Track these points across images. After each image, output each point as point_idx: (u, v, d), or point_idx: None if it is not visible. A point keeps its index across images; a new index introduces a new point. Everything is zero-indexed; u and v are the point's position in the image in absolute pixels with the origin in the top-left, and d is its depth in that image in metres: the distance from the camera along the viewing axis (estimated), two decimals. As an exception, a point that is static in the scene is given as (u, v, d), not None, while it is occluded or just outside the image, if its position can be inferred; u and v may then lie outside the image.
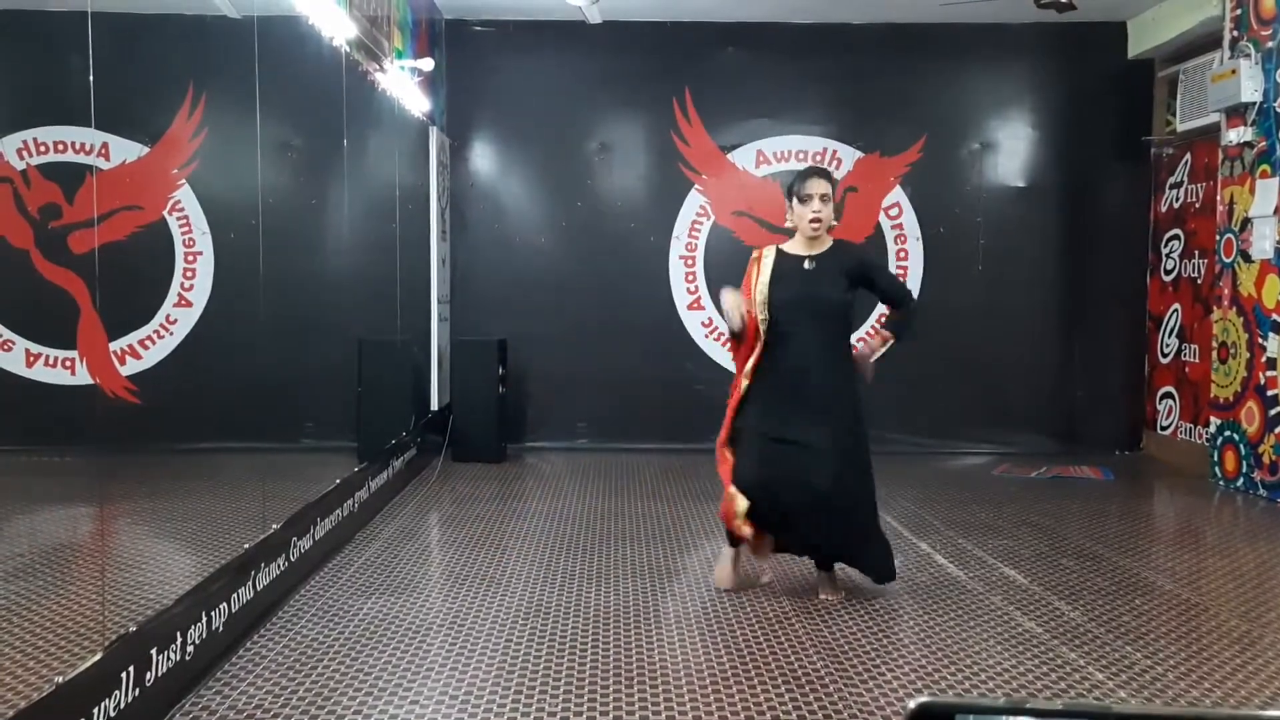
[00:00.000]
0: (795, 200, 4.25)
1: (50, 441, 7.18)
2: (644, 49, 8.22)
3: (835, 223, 4.40)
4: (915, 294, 4.53)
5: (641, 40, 8.17)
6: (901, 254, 8.28)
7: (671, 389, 8.24)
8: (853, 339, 4.37)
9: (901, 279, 4.52)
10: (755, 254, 4.37)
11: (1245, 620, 4.17)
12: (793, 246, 4.30)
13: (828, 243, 4.28)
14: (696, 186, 8.32)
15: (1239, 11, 6.76)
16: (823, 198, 4.19)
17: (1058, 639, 3.89)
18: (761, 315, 4.21)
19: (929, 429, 8.26)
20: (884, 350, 4.29)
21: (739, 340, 4.31)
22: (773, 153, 8.31)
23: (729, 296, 4.23)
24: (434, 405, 7.71)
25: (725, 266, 7.34)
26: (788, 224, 4.33)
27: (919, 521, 5.79)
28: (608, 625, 4.00)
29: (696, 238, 8.34)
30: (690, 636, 3.89)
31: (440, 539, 5.63)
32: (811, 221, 4.20)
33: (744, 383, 4.28)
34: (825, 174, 4.34)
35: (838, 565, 4.40)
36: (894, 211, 8.27)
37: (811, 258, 4.24)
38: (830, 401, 4.19)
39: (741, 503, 4.20)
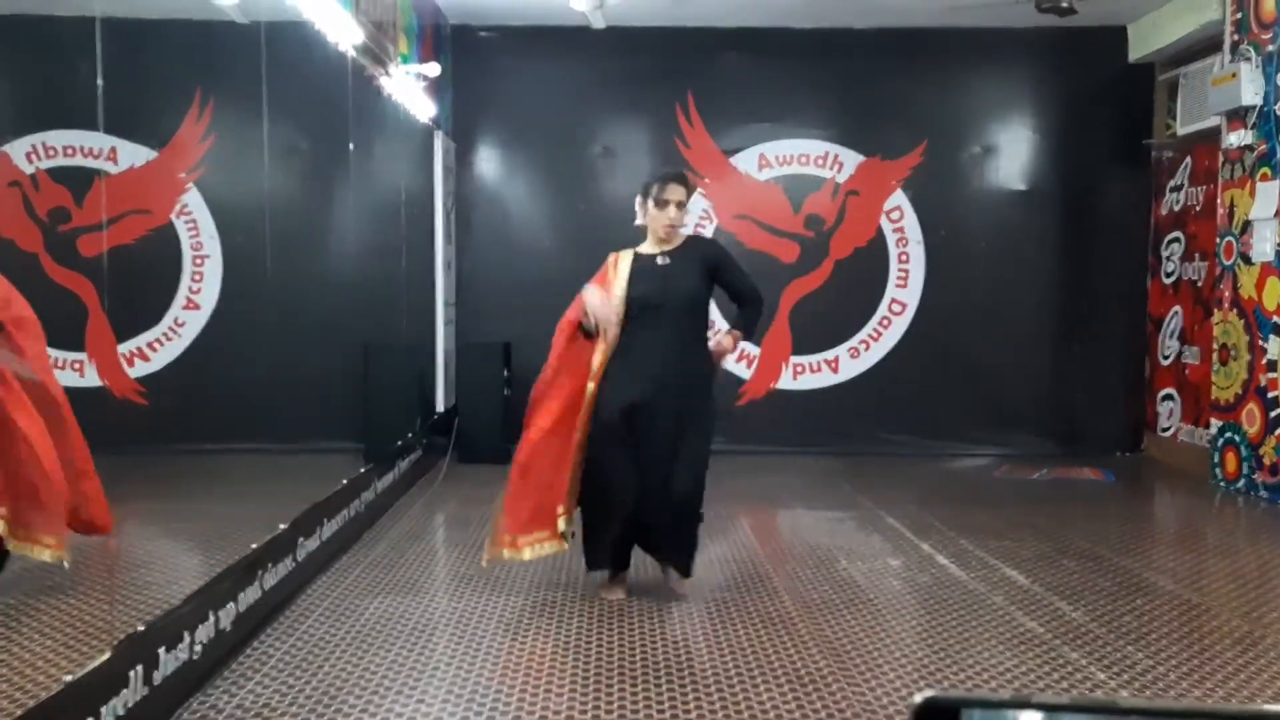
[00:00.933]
0: (652, 203, 4.23)
1: (58, 443, 7.20)
2: (647, 54, 8.25)
3: (685, 230, 4.42)
4: (762, 297, 4.46)
5: (645, 45, 8.20)
6: (903, 257, 8.31)
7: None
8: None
9: (751, 281, 4.47)
10: (611, 258, 4.37)
11: (1246, 621, 4.20)
12: (646, 248, 4.32)
13: (680, 239, 4.32)
14: (699, 190, 8.35)
15: (1239, 15, 6.79)
16: (679, 204, 4.21)
17: (1060, 639, 3.92)
18: (616, 312, 4.21)
19: (930, 431, 8.28)
20: (734, 349, 4.46)
21: (587, 336, 4.27)
22: (775, 156, 8.34)
23: (594, 294, 4.19)
24: (439, 407, 7.74)
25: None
26: (638, 223, 4.33)
27: (921, 523, 5.81)
28: (613, 624, 4.03)
29: (700, 241, 8.36)
30: (694, 635, 3.92)
31: (445, 539, 5.66)
32: (666, 227, 4.23)
33: (590, 385, 4.21)
34: (684, 179, 4.33)
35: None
36: (895, 215, 8.30)
37: (665, 254, 4.27)
38: (689, 395, 4.19)
39: (562, 523, 4.23)
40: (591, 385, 4.21)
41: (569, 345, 4.32)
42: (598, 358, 4.23)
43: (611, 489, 4.15)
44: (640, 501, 4.14)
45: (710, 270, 4.29)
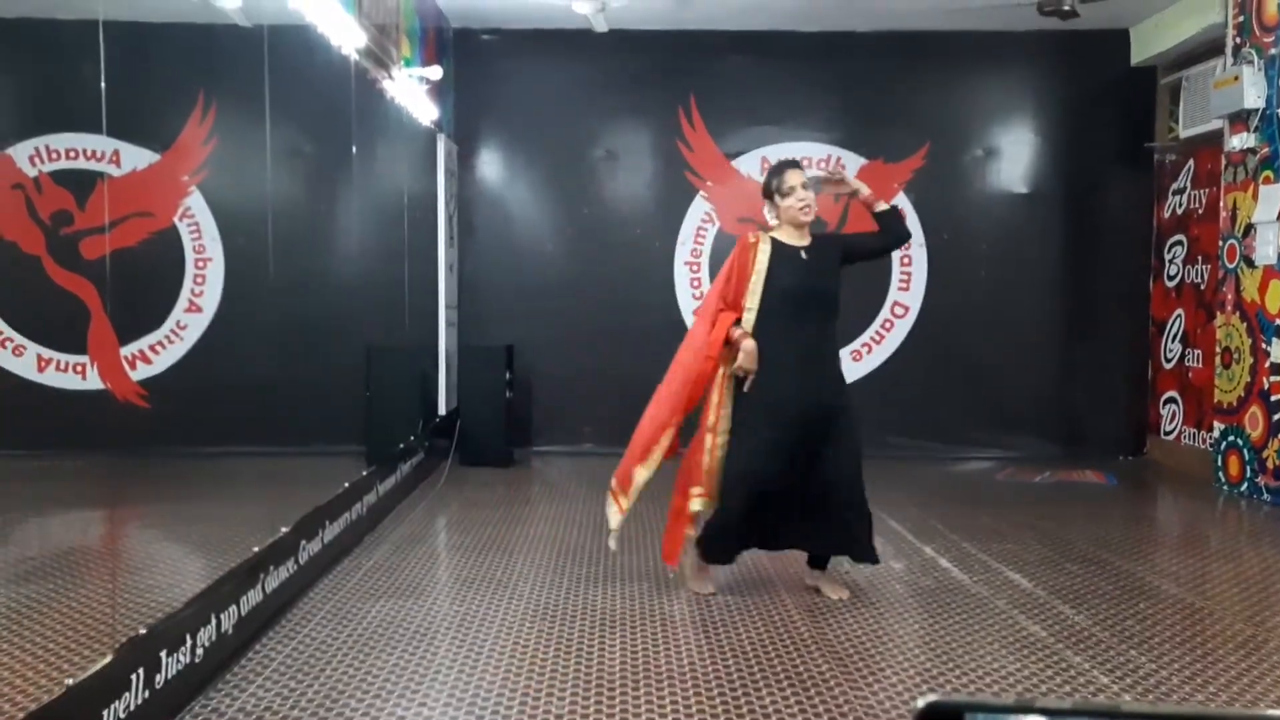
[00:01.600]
0: (778, 196, 4.28)
1: (61, 446, 7.23)
2: (649, 57, 8.26)
3: (816, 207, 4.38)
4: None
5: (647, 48, 8.21)
6: (905, 260, 8.31)
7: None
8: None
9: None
10: (750, 239, 4.32)
11: (1250, 625, 4.19)
12: (784, 236, 4.31)
13: (810, 237, 4.32)
14: (701, 193, 8.36)
15: (1241, 18, 6.78)
16: (804, 185, 4.26)
17: (1062, 643, 3.91)
18: (751, 305, 4.22)
19: (933, 434, 8.28)
20: (864, 196, 4.43)
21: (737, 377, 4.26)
22: (777, 159, 8.32)
23: (751, 348, 4.16)
24: (441, 410, 7.75)
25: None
26: (771, 221, 4.35)
27: (923, 526, 5.81)
28: (614, 628, 4.03)
29: (702, 244, 8.38)
30: (696, 639, 3.92)
31: (448, 543, 5.66)
32: (802, 210, 4.24)
33: (720, 369, 4.24)
34: (797, 164, 4.39)
35: (833, 561, 4.47)
36: (899, 218, 8.29)
37: (805, 248, 4.28)
38: (838, 392, 4.28)
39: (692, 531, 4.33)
40: (722, 369, 4.24)
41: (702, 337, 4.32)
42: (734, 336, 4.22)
43: (759, 479, 4.18)
44: (797, 497, 4.21)
45: (845, 257, 4.33)
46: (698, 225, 8.38)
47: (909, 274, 8.32)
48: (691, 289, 8.39)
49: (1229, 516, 6.47)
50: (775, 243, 4.29)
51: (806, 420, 4.19)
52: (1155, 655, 3.79)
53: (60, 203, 7.48)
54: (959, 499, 6.63)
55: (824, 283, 4.25)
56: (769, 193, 4.33)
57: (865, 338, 8.34)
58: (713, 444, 4.26)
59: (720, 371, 4.26)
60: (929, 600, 4.44)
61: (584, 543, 5.40)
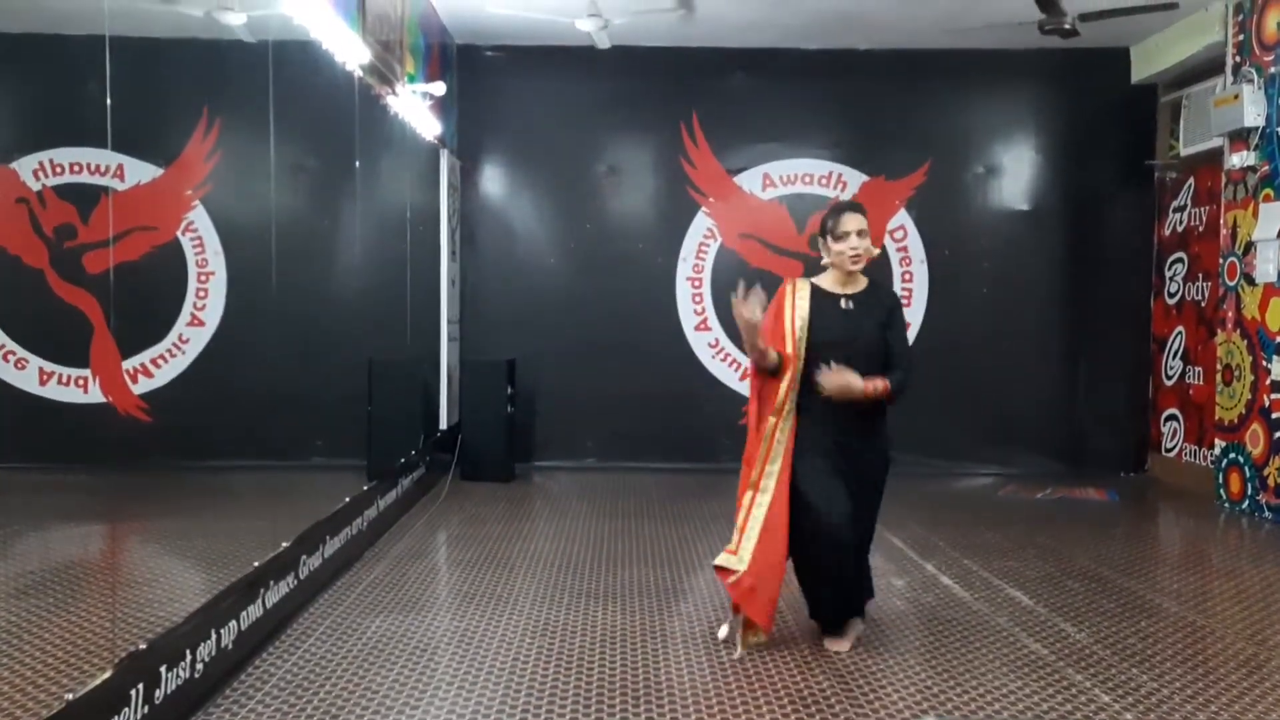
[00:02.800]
0: (830, 238, 4.03)
1: (62, 459, 7.23)
2: (652, 73, 8.30)
3: (875, 252, 4.10)
4: (910, 365, 4.03)
5: (650, 65, 8.25)
6: (906, 276, 8.33)
7: (679, 409, 8.28)
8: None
9: (908, 348, 4.10)
10: (788, 286, 4.08)
11: (1251, 643, 4.18)
12: (826, 283, 4.05)
13: (863, 282, 4.05)
14: (703, 209, 8.38)
15: (1241, 37, 6.82)
16: (859, 233, 3.98)
17: (1063, 661, 3.90)
18: (795, 350, 3.96)
19: (935, 450, 8.28)
20: (861, 391, 3.87)
21: (771, 373, 3.98)
22: (779, 176, 8.37)
23: (740, 305, 3.84)
24: (443, 424, 7.75)
25: (731, 288, 7.36)
26: (824, 261, 4.10)
27: (925, 542, 5.80)
28: (615, 644, 4.02)
29: (704, 260, 8.39)
30: (696, 656, 3.91)
31: (448, 558, 5.65)
32: (852, 258, 3.98)
33: (771, 419, 3.98)
34: (858, 208, 4.10)
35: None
36: (899, 234, 8.32)
37: (849, 297, 4.02)
38: (871, 449, 4.02)
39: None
40: (773, 420, 3.97)
41: (762, 387, 4.08)
42: (782, 390, 3.98)
43: (819, 533, 3.91)
44: (819, 547, 3.95)
45: (884, 323, 4.00)
46: (700, 241, 8.40)
47: (910, 290, 8.33)
48: (693, 305, 8.40)
49: (1230, 534, 6.46)
50: (815, 289, 4.05)
51: (836, 470, 3.94)
52: (1157, 673, 3.78)
53: (64, 216, 7.50)
54: (960, 515, 6.63)
55: (865, 333, 3.96)
56: (824, 231, 4.08)
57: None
58: (751, 501, 3.98)
59: (772, 423, 3.98)
60: (930, 618, 4.43)
61: (585, 558, 5.40)
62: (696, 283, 8.37)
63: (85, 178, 7.58)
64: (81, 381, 7.58)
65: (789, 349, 3.96)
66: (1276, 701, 3.55)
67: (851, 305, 4.02)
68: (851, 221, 4.00)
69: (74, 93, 6.83)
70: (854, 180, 8.30)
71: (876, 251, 4.11)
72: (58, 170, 7.56)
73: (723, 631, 4.03)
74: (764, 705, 3.43)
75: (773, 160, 8.35)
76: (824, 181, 8.33)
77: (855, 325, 3.97)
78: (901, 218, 8.30)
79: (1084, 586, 4.96)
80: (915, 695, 3.56)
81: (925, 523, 6.33)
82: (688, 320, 8.39)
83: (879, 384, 3.89)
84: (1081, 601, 4.70)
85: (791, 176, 8.36)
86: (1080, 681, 3.69)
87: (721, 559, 3.98)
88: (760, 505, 3.95)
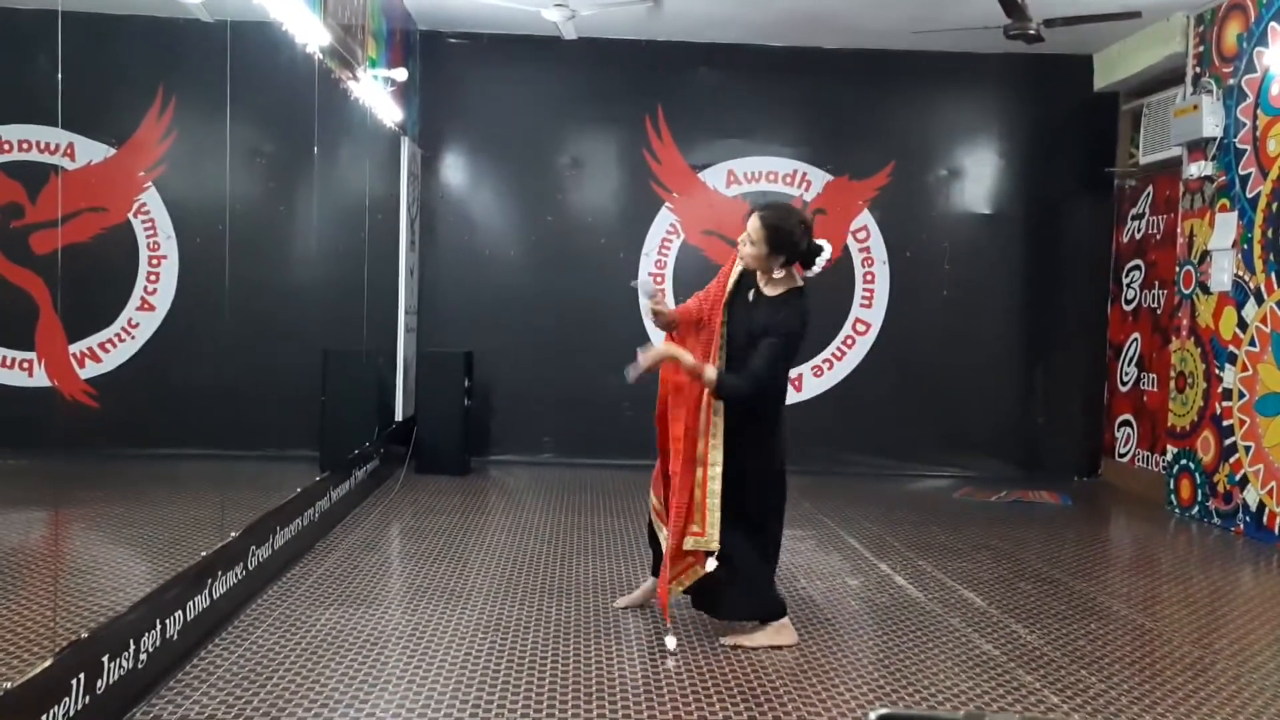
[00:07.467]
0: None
1: (4, 444, 7.05)
2: (618, 66, 8.26)
3: (776, 275, 3.96)
4: (759, 375, 3.89)
5: (616, 57, 8.20)
6: (868, 277, 8.35)
7: (637, 405, 8.24)
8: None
9: (764, 365, 3.90)
10: (736, 259, 4.10)
11: (1198, 646, 4.23)
12: (758, 273, 4.06)
13: (780, 289, 3.97)
14: (667, 204, 8.36)
15: (1202, 48, 6.91)
16: (748, 238, 3.95)
17: (1014, 661, 3.93)
18: (718, 312, 4.04)
19: (891, 452, 8.32)
20: (688, 368, 3.90)
21: (669, 328, 4.12)
22: (743, 173, 8.36)
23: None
24: (398, 416, 7.66)
25: (695, 285, 7.30)
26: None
27: (879, 543, 5.83)
28: (568, 640, 3.98)
29: (666, 255, 8.37)
30: (650, 653, 3.88)
31: (401, 551, 5.59)
32: (744, 256, 4.02)
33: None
34: (755, 212, 4.02)
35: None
36: (862, 235, 8.35)
37: (759, 293, 4.00)
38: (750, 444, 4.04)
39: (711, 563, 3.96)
40: (708, 392, 3.94)
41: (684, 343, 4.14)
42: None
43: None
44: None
45: (761, 330, 3.92)
46: (663, 237, 8.37)
47: (871, 291, 8.36)
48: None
49: (1180, 539, 6.54)
50: (745, 273, 4.06)
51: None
52: (1105, 675, 3.82)
53: (11, 195, 7.31)
54: (915, 517, 6.66)
55: (743, 330, 3.97)
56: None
57: (826, 354, 8.36)
58: (704, 477, 3.94)
59: (706, 395, 3.95)
60: (883, 616, 4.45)
61: (539, 553, 5.35)
62: (659, 279, 8.34)
63: (34, 156, 7.39)
64: (26, 365, 7.40)
65: (718, 314, 4.03)
66: (1221, 704, 3.59)
67: (752, 300, 4.02)
68: (749, 223, 4.00)
69: (24, 68, 6.66)
70: (818, 179, 8.31)
71: (777, 275, 3.97)
72: (5, 148, 7.36)
73: (670, 642, 3.91)
74: (716, 701, 3.41)
75: (737, 157, 8.34)
76: (788, 180, 8.33)
77: (744, 318, 4.00)
78: (865, 218, 8.33)
79: (1036, 588, 5.00)
80: (867, 692, 3.56)
81: (880, 523, 6.36)
82: (649, 316, 8.35)
83: (709, 371, 3.88)
84: (1033, 603, 4.73)
85: (756, 174, 8.36)
86: (1030, 682, 3.72)
87: (690, 543, 3.93)
88: (714, 479, 3.94)
